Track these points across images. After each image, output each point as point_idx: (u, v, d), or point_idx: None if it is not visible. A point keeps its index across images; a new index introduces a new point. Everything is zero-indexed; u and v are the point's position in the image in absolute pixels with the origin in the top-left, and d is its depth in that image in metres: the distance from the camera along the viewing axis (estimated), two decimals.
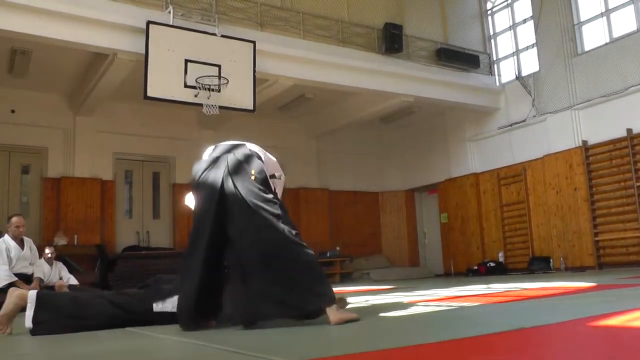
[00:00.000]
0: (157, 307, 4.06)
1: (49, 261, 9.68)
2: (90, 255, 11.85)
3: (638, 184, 11.12)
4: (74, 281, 9.92)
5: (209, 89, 9.68)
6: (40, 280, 8.12)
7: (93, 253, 11.91)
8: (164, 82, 9.43)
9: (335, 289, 3.70)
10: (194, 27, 9.94)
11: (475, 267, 13.46)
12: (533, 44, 13.45)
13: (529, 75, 13.37)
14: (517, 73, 13.55)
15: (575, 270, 11.64)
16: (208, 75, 9.68)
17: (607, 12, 12.06)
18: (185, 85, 9.60)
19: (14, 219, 7.87)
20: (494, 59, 14.63)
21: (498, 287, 6.83)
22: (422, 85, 12.77)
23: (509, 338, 2.58)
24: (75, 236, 11.96)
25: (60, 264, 10.05)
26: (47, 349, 3.23)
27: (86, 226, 12.21)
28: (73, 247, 11.72)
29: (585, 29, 12.52)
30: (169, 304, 4.02)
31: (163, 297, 4.08)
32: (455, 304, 4.68)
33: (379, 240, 16.41)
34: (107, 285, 11.60)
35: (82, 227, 12.13)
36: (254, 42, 10.27)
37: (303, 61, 11.16)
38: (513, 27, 14.24)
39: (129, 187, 13.67)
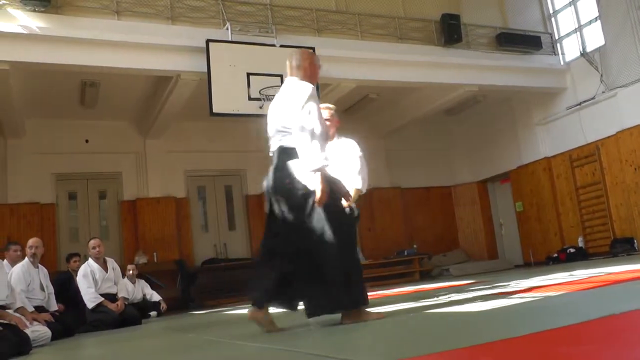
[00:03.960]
0: None
1: (132, 279, 10.05)
2: (170, 271, 12.21)
3: None
4: (157, 297, 10.28)
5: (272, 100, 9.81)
6: (125, 298, 8.44)
7: (173, 268, 12.27)
8: (228, 97, 9.64)
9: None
10: (252, 41, 10.13)
11: (555, 255, 13.10)
12: (596, 18, 13.00)
13: (594, 51, 12.93)
14: (581, 49, 13.13)
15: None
16: (271, 86, 9.81)
17: None
18: (250, 98, 9.77)
19: (90, 242, 8.25)
20: (556, 37, 14.21)
21: (581, 274, 6.66)
22: (484, 73, 12.55)
23: (598, 326, 2.53)
24: (155, 253, 12.34)
25: (142, 282, 10.45)
26: None
27: (164, 243, 12.58)
28: (153, 264, 12.11)
29: None
30: None
31: None
32: (539, 294, 4.60)
33: (456, 235, 16.20)
34: (190, 298, 11.94)
35: (160, 245, 12.51)
36: (313, 48, 10.33)
37: (363, 62, 11.17)
38: (573, 2, 13.80)
39: (203, 202, 13.99)
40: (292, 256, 3.81)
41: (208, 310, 10.15)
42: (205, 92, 9.57)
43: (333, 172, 4.12)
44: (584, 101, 13.05)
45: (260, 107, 9.80)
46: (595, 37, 13.13)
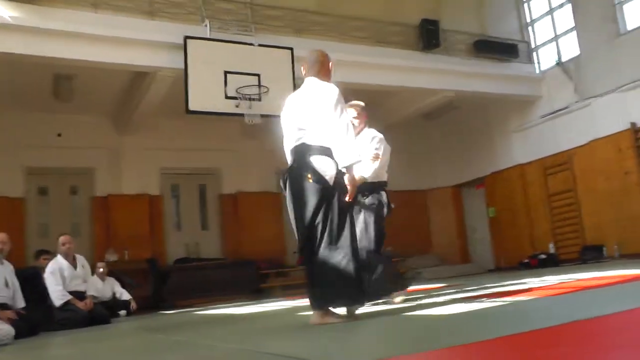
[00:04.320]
0: None
1: (101, 277, 9.90)
2: (141, 270, 12.03)
3: None
4: (127, 296, 10.13)
5: (249, 99, 9.77)
6: (94, 297, 8.31)
7: (144, 267, 12.11)
8: (204, 95, 9.56)
9: None
10: (231, 39, 10.05)
11: (527, 260, 13.23)
12: (572, 28, 13.17)
13: (569, 60, 13.10)
14: (557, 59, 13.30)
15: (630, 257, 11.34)
16: (248, 85, 9.77)
17: None
18: (226, 97, 9.69)
19: (60, 238, 8.11)
20: (533, 46, 14.37)
21: (551, 280, 6.71)
22: (462, 80, 12.64)
23: (567, 330, 2.55)
24: (126, 252, 12.17)
25: (112, 280, 10.28)
26: None
27: (136, 241, 12.40)
28: (124, 262, 11.92)
29: (627, 8, 12.17)
30: None
31: None
32: (510, 299, 4.63)
33: (429, 239, 16.28)
34: (161, 298, 11.80)
35: (132, 243, 12.33)
36: (291, 49, 10.32)
37: (342, 64, 11.10)
38: (550, 12, 13.96)
39: (177, 200, 13.87)
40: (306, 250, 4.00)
41: (179, 311, 10.06)
42: (182, 89, 9.48)
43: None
44: (559, 110, 13.21)
45: (237, 106, 9.74)
46: (570, 47, 13.31)
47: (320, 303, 3.93)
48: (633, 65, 11.66)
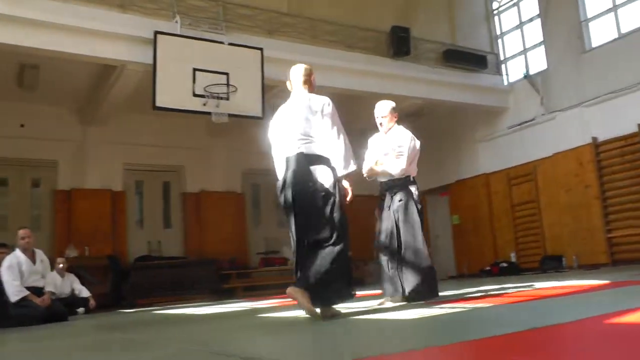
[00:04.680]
0: None
1: (61, 273, 9.73)
2: (102, 266, 11.88)
3: None
4: (86, 293, 9.96)
5: (217, 97, 9.70)
6: (52, 293, 8.15)
7: (105, 264, 11.95)
8: (172, 92, 9.46)
9: None
10: (201, 36, 9.96)
11: (488, 268, 13.39)
12: (540, 42, 13.42)
13: (537, 74, 13.33)
14: (525, 72, 13.51)
15: (588, 268, 11.56)
16: (216, 84, 9.70)
17: (614, 8, 12.00)
18: (194, 94, 9.62)
19: (20, 232, 7.93)
20: (502, 58, 14.58)
21: (511, 287, 6.79)
22: (430, 88, 12.74)
23: (523, 338, 2.57)
24: (87, 248, 11.97)
25: (72, 276, 10.10)
26: None
27: (97, 237, 12.21)
28: (84, 259, 11.72)
29: (592, 25, 12.46)
30: None
31: None
32: (469, 305, 4.66)
33: None
34: (120, 296, 11.65)
35: (93, 239, 12.14)
36: (261, 49, 10.28)
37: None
38: (520, 26, 14.19)
39: (140, 197, 13.72)
40: (308, 253, 4.23)
41: (138, 309, 9.94)
42: (150, 84, 9.36)
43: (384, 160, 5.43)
44: (525, 122, 13.41)
45: (204, 105, 9.67)
46: (538, 61, 13.54)
47: (334, 299, 4.25)
48: (596, 82, 11.93)
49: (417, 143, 5.79)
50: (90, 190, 12.51)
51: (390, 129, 5.83)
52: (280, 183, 4.45)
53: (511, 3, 14.44)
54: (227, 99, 9.82)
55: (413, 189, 5.63)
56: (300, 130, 4.38)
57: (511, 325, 3.01)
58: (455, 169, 15.07)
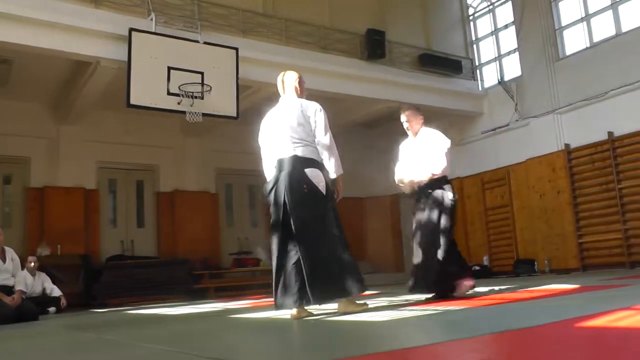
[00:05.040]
0: None
1: (32, 272, 9.58)
2: (74, 266, 11.71)
3: (620, 186, 11.21)
4: (57, 292, 9.83)
5: (192, 96, 9.64)
6: (22, 292, 8.04)
7: (77, 263, 11.78)
8: (146, 90, 9.37)
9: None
10: (176, 34, 9.88)
11: None
12: (515, 49, 13.57)
13: (511, 80, 13.47)
14: (499, 78, 13.64)
15: (559, 272, 11.70)
16: (191, 83, 9.64)
17: (586, 18, 12.20)
18: (168, 93, 9.54)
19: None
20: (477, 64, 14.72)
21: (483, 291, 6.85)
22: (405, 91, 12.78)
23: (495, 341, 2.58)
24: (59, 246, 11.80)
25: (43, 275, 9.97)
26: None
27: (70, 236, 12.04)
28: (56, 257, 11.55)
29: (566, 33, 12.64)
30: None
31: None
32: (441, 307, 4.68)
33: (364, 246, 16.36)
34: (92, 296, 11.50)
35: (65, 237, 11.96)
36: (236, 49, 10.24)
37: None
38: (495, 32, 14.34)
39: (113, 196, 13.57)
40: (305, 251, 4.36)
41: (110, 309, 9.83)
42: (124, 82, 9.27)
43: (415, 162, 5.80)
44: (499, 127, 13.54)
45: (179, 103, 9.60)
46: (513, 68, 13.69)
47: (354, 289, 4.41)
48: (569, 89, 12.12)
49: (449, 142, 5.95)
50: (63, 188, 12.33)
51: (417, 132, 6.05)
52: (270, 183, 4.63)
53: (486, 9, 14.59)
54: (202, 98, 9.77)
55: (447, 187, 5.78)
56: (293, 134, 4.57)
57: (483, 328, 3.03)
58: None
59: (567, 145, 12.12)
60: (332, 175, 4.60)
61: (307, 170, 4.49)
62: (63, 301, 9.77)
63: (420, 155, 5.89)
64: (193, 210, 13.62)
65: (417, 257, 5.79)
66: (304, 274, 4.31)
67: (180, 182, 13.80)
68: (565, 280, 8.34)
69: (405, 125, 6.08)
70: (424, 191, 5.82)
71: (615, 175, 11.28)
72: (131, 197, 13.69)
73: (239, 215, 15.00)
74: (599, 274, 9.79)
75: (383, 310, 4.68)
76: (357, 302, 4.63)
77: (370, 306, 4.85)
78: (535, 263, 12.49)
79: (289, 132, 4.60)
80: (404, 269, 15.86)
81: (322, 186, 4.51)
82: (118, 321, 6.50)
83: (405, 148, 6.20)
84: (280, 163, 4.58)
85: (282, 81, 4.99)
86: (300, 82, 4.98)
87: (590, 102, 11.70)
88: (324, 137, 4.60)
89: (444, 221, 5.66)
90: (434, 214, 5.68)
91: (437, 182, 5.78)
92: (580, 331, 2.72)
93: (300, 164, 4.51)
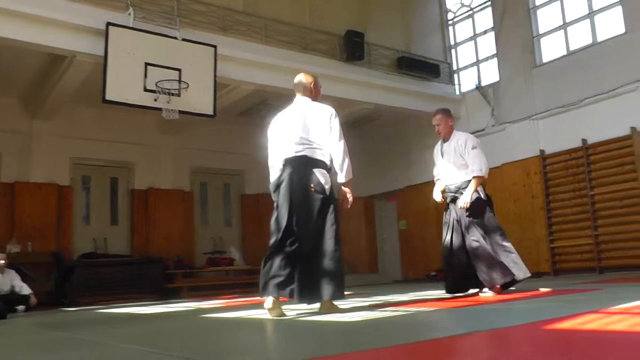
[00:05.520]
0: None
1: (0, 269, 9.43)
2: (45, 263, 11.53)
3: (592, 192, 11.34)
4: (27, 290, 9.67)
5: (169, 93, 9.55)
6: None
7: (49, 260, 11.61)
8: (123, 86, 9.26)
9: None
10: (154, 30, 9.76)
11: (434, 273, 13.51)
12: (493, 55, 13.67)
13: (488, 86, 13.57)
14: (477, 83, 13.73)
15: (531, 276, 11.78)
16: (168, 79, 9.55)
17: (564, 26, 12.33)
18: (145, 89, 9.43)
19: None
20: (455, 68, 14.80)
21: (457, 294, 6.86)
22: (382, 93, 12.82)
23: (464, 342, 2.59)
24: (29, 243, 11.63)
25: (12, 273, 9.80)
26: None
27: (41, 233, 11.88)
28: (27, 255, 11.38)
29: (543, 41, 12.77)
30: None
31: None
32: (413, 309, 4.70)
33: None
34: (63, 294, 11.34)
35: (37, 234, 11.80)
36: (215, 47, 10.17)
37: (264, 67, 11.08)
38: (474, 37, 14.44)
39: (87, 192, 13.40)
40: (303, 249, 4.51)
41: (81, 308, 9.71)
42: (100, 77, 9.14)
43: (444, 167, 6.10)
44: (475, 132, 13.55)
45: (155, 100, 9.51)
46: (491, 73, 13.79)
47: (338, 294, 4.47)
48: (545, 96, 12.25)
49: (478, 141, 6.23)
50: (35, 184, 12.16)
51: (447, 134, 6.21)
52: (275, 181, 4.83)
53: (466, 15, 14.68)
54: (179, 95, 9.68)
55: (480, 189, 6.08)
56: (304, 135, 4.72)
57: (453, 329, 3.04)
58: (404, 175, 15.20)
59: (542, 151, 12.24)
60: (344, 179, 4.79)
61: (316, 171, 4.64)
62: (33, 299, 9.62)
63: (453, 159, 5.99)
64: (167, 208, 13.53)
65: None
66: (297, 270, 4.45)
67: (155, 180, 13.70)
68: (537, 283, 8.41)
69: (436, 129, 6.21)
70: (457, 194, 5.97)
71: (588, 182, 11.41)
72: (105, 194, 13.54)
73: (214, 215, 14.94)
74: (570, 278, 9.90)
75: (358, 311, 4.68)
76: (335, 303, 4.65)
77: (346, 307, 4.86)
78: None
79: (301, 133, 4.73)
80: (377, 270, 15.93)
81: (327, 188, 4.65)
82: (89, 320, 6.43)
83: (437, 152, 6.37)
84: (290, 162, 4.71)
85: (299, 83, 5.06)
86: (316, 85, 5.06)
87: (566, 109, 11.83)
88: (338, 143, 4.73)
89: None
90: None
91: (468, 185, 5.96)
92: (548, 333, 2.74)
93: (309, 164, 4.65)
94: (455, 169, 6.12)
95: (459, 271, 6.00)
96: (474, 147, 6.06)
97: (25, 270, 10.33)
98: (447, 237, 6.10)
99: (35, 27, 8.81)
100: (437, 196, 6.24)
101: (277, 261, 4.51)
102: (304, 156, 4.68)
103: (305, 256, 4.49)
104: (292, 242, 4.55)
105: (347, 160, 4.76)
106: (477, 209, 5.98)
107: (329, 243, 4.54)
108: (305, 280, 4.42)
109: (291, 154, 4.73)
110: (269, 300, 4.45)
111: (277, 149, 4.89)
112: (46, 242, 11.87)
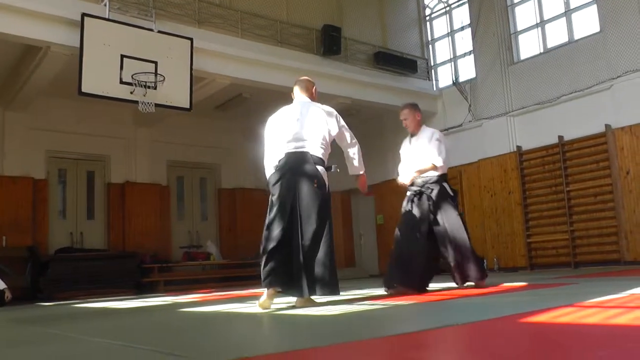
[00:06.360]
0: None
1: None
2: (20, 258, 11.35)
3: (568, 188, 11.47)
4: (1, 285, 9.52)
5: (145, 86, 9.46)
6: None
7: (24, 255, 11.44)
8: (99, 78, 9.14)
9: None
10: (130, 22, 9.65)
11: None
12: (470, 51, 13.73)
13: (465, 82, 13.63)
14: (454, 79, 13.80)
15: (508, 270, 11.92)
16: (144, 72, 9.45)
17: (541, 23, 12.43)
18: (121, 82, 9.32)
19: None
20: (432, 64, 14.85)
21: (432, 286, 6.94)
22: (359, 89, 12.83)
23: (441, 334, 2.60)
24: (4, 237, 11.46)
25: None
26: None
27: (16, 227, 11.69)
28: (1, 249, 11.22)
29: (521, 38, 12.86)
30: None
31: None
32: (390, 302, 4.72)
33: None
34: (38, 289, 11.20)
35: (12, 228, 11.61)
36: (191, 39, 10.09)
37: (240, 60, 11.02)
38: (451, 33, 14.50)
39: (63, 186, 13.23)
40: (306, 243, 4.58)
41: (56, 303, 9.60)
42: (75, 68, 9.01)
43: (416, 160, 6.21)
44: (452, 127, 13.68)
45: (131, 93, 9.41)
46: (468, 70, 13.86)
47: (333, 288, 4.58)
48: (522, 93, 12.35)
49: (446, 140, 6.25)
50: (9, 177, 11.96)
51: (415, 129, 6.32)
52: (275, 175, 4.84)
53: (443, 11, 14.74)
54: (155, 88, 9.60)
55: (446, 185, 6.24)
56: (305, 132, 4.86)
57: (430, 322, 3.06)
58: (381, 169, 15.19)
59: (518, 147, 12.34)
60: (362, 170, 5.30)
61: (318, 167, 4.79)
62: (8, 294, 9.47)
63: (420, 154, 6.02)
64: (144, 202, 13.43)
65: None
66: (296, 264, 4.52)
67: (131, 174, 13.57)
68: (513, 278, 8.49)
69: (404, 123, 6.22)
70: (424, 187, 6.01)
71: (564, 178, 11.53)
72: (81, 188, 13.38)
73: (190, 209, 14.86)
74: (546, 272, 10.00)
75: (337, 304, 4.68)
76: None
77: (322, 300, 4.86)
78: (485, 261, 12.64)
79: (302, 129, 4.87)
80: (354, 264, 15.98)
81: (327, 185, 4.86)
82: (64, 315, 6.36)
83: (404, 148, 6.44)
84: (291, 157, 4.80)
85: (301, 81, 5.32)
86: (316, 90, 5.37)
87: (542, 106, 11.94)
88: (353, 139, 5.19)
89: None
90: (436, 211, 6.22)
91: (437, 180, 5.97)
92: (524, 326, 2.77)
93: (312, 160, 4.79)
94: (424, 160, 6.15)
95: (415, 263, 6.06)
96: (437, 140, 6.13)
97: (0, 265, 10.18)
98: (403, 227, 6.21)
99: (8, 16, 8.63)
100: (405, 178, 6.23)
101: (278, 254, 4.56)
102: (306, 152, 4.81)
103: (305, 250, 4.55)
104: (293, 236, 4.61)
105: (360, 155, 5.22)
106: (443, 200, 6.05)
107: (326, 238, 4.65)
108: (314, 276, 4.52)
109: (292, 149, 4.83)
110: (265, 293, 4.53)
111: (277, 144, 4.94)
112: (21, 237, 11.70)
